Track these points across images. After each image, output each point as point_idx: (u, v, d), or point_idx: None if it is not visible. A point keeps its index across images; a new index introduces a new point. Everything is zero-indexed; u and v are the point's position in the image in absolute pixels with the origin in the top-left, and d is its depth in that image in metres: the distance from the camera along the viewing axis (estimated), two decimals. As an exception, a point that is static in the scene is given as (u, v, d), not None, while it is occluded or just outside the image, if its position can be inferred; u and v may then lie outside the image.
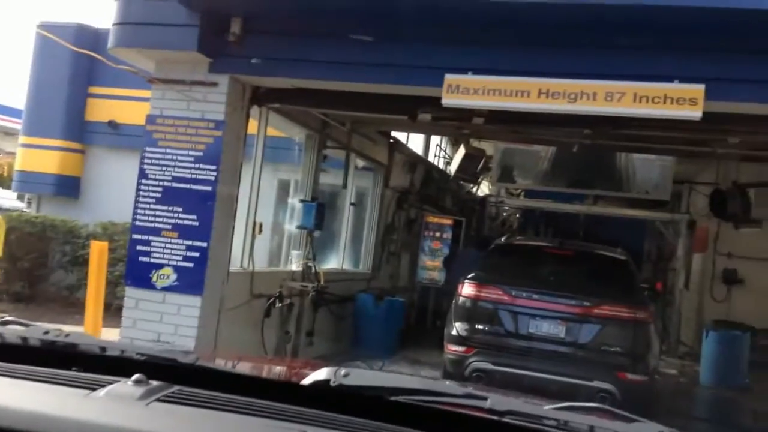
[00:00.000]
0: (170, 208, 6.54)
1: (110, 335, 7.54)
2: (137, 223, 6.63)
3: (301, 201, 8.78)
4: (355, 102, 7.08)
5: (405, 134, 12.28)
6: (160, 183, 6.57)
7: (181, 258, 6.49)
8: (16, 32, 57.43)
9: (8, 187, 16.23)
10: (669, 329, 12.51)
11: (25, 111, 13.50)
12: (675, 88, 5.40)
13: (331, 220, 10.33)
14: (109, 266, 9.66)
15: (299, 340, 8.67)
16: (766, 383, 9.92)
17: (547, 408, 1.54)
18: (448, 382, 2.97)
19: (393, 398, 1.41)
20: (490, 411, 1.40)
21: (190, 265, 6.46)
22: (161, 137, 6.60)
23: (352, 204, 10.77)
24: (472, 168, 12.40)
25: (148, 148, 6.64)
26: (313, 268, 8.75)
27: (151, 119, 6.66)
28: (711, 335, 10.18)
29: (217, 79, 6.50)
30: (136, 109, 10.16)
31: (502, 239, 8.94)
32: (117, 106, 12.77)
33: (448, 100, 5.83)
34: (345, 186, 9.99)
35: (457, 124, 8.26)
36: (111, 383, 1.32)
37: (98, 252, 7.74)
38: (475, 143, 11.99)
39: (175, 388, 1.33)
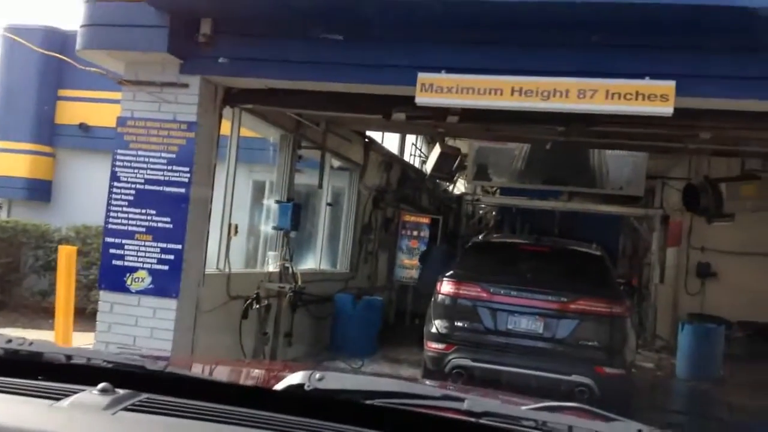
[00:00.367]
0: (143, 211, 6.46)
1: (85, 339, 7.44)
2: (110, 226, 6.54)
3: (277, 202, 8.72)
4: (329, 102, 7.04)
5: (380, 134, 12.27)
6: (133, 185, 6.49)
7: (155, 261, 6.41)
8: (-16, 35, 56.34)
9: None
10: (645, 323, 12.64)
11: (-6, 115, 13.28)
12: (646, 84, 5.44)
13: (307, 220, 10.29)
14: (83, 270, 9.54)
15: (277, 341, 8.62)
16: (740, 375, 10.06)
17: (525, 408, 1.53)
18: (426, 383, 2.95)
19: (368, 402, 1.39)
20: (467, 413, 1.38)
21: (165, 267, 6.39)
22: (133, 139, 6.52)
23: (328, 204, 10.73)
24: (447, 166, 12.42)
25: (119, 151, 6.55)
26: (290, 269, 8.71)
27: (122, 121, 6.57)
28: (686, 329, 10.30)
29: (189, 81, 6.42)
30: (107, 111, 10.02)
31: (480, 237, 8.98)
32: (87, 109, 12.63)
33: (422, 99, 5.82)
34: (321, 186, 9.95)
35: (431, 122, 8.25)
36: (76, 392, 1.28)
37: (67, 256, 7.61)
38: (450, 142, 12.01)
39: (144, 396, 1.30)
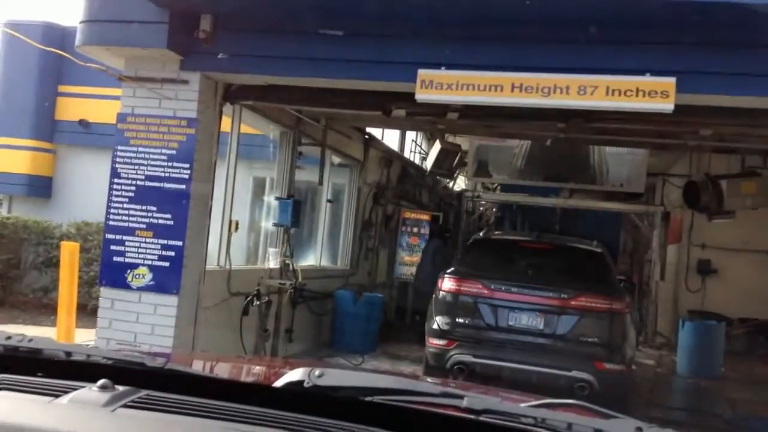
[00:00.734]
0: (144, 207, 6.45)
1: (86, 336, 7.45)
2: (111, 222, 6.53)
3: (277, 198, 8.72)
4: (329, 98, 7.03)
5: (380, 130, 12.26)
6: (133, 182, 6.48)
7: (156, 257, 6.41)
8: (-16, 31, 56.30)
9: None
10: (646, 320, 12.63)
11: (-6, 111, 13.28)
12: (647, 81, 5.43)
13: (307, 217, 10.28)
14: (84, 266, 9.54)
15: (278, 337, 8.62)
16: (741, 372, 10.07)
17: (524, 406, 1.53)
18: (426, 380, 2.95)
19: (368, 399, 1.39)
20: (467, 410, 1.38)
21: (166, 264, 6.39)
22: (133, 136, 6.51)
23: (328, 201, 10.73)
24: (448, 163, 12.41)
25: (119, 147, 6.54)
26: (290, 266, 8.70)
27: (122, 117, 6.56)
28: (687, 325, 10.30)
29: (189, 77, 6.41)
30: (107, 107, 10.03)
31: (481, 234, 9.01)
32: (88, 105, 12.62)
33: (422, 96, 5.81)
34: (321, 183, 9.94)
35: (431, 119, 8.25)
36: (75, 389, 1.28)
37: (69, 253, 7.62)
38: (450, 138, 12.00)
39: (143, 392, 1.29)
